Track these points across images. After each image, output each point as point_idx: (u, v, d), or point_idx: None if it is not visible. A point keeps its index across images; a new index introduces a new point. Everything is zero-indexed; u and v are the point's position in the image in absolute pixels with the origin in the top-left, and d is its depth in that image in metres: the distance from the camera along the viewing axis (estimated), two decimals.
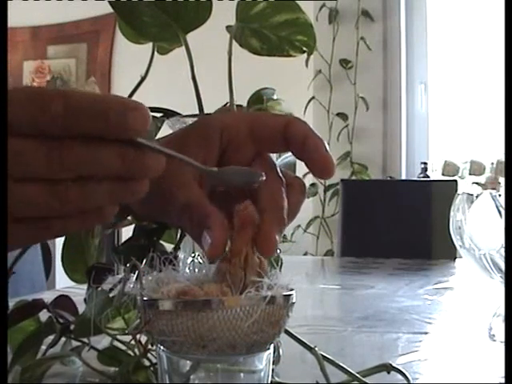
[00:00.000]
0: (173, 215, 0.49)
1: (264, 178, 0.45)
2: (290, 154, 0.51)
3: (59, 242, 0.64)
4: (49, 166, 0.38)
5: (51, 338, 0.65)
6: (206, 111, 0.65)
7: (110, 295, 0.60)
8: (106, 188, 0.39)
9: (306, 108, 2.91)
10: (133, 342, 0.56)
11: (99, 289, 0.61)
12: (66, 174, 0.38)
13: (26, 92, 0.38)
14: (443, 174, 2.91)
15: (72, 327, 0.63)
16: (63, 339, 0.67)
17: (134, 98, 0.70)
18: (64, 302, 0.65)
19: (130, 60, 2.34)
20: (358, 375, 0.59)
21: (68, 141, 0.38)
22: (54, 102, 0.37)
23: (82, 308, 0.64)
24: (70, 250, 0.69)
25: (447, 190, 2.00)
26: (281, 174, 0.49)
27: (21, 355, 0.62)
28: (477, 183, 2.81)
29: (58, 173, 0.38)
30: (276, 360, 0.61)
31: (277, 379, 0.62)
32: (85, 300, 0.63)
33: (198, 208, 0.46)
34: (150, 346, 0.53)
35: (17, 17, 3.37)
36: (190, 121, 0.59)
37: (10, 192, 0.38)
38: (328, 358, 0.60)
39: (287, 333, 0.60)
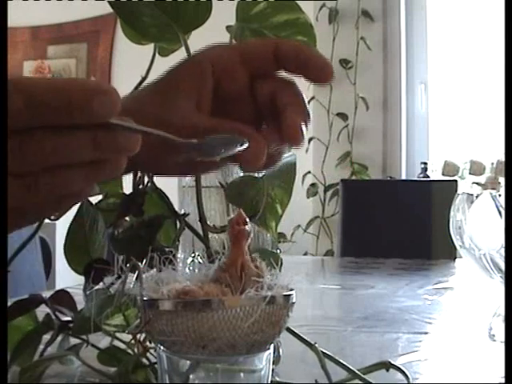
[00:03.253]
0: (186, 156, 0.48)
1: (246, 143, 0.44)
2: (290, 153, 0.50)
3: (59, 241, 0.64)
4: (16, 161, 0.37)
5: (49, 337, 0.65)
6: None
7: (109, 292, 0.60)
8: (80, 173, 0.38)
9: None
10: (133, 342, 0.56)
11: (98, 287, 0.61)
12: (36, 166, 0.37)
13: None
14: (443, 174, 2.91)
15: (71, 324, 0.63)
16: (61, 338, 0.67)
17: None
18: (62, 297, 0.65)
19: (130, 60, 2.34)
20: (358, 372, 0.59)
21: (34, 132, 0.36)
22: (13, 96, 0.35)
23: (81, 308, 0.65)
24: (73, 242, 0.70)
25: (447, 189, 2.00)
26: (295, 83, 0.50)
27: (19, 354, 0.62)
28: (477, 183, 2.81)
29: (27, 166, 0.37)
30: (276, 360, 0.61)
31: (277, 379, 0.62)
32: (84, 293, 0.63)
33: (219, 128, 0.46)
34: (148, 344, 0.53)
35: (17, 17, 3.37)
36: None
37: None
38: (328, 355, 0.60)
39: (288, 330, 0.60)
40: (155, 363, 0.57)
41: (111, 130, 0.38)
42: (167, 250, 0.59)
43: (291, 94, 0.49)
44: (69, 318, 0.64)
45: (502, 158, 2.64)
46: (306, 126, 0.47)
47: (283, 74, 0.51)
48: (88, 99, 0.36)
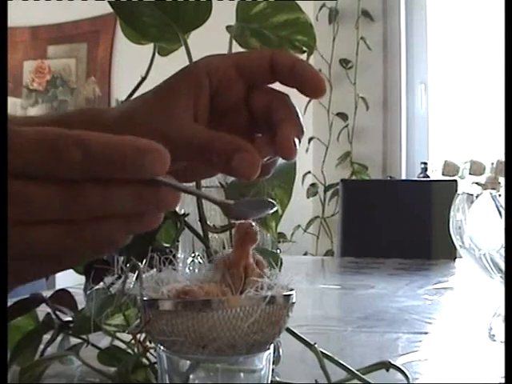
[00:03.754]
0: (183, 162, 0.49)
1: (275, 207, 0.46)
2: None
3: None
4: (64, 209, 0.38)
5: (49, 337, 0.65)
6: None
7: (110, 292, 0.60)
8: (122, 224, 0.40)
9: (306, 108, 2.91)
10: (133, 342, 0.56)
11: (98, 287, 0.61)
12: (82, 215, 0.39)
13: (35, 134, 0.37)
14: (443, 174, 2.91)
15: (71, 324, 0.63)
16: (61, 338, 0.67)
17: (134, 98, 0.70)
18: (63, 296, 0.65)
19: (130, 60, 2.34)
20: (357, 373, 0.59)
21: (86, 183, 0.38)
22: (70, 148, 0.37)
23: (81, 308, 0.65)
24: None
25: (447, 189, 2.00)
26: (288, 97, 0.50)
27: (18, 354, 0.62)
28: (477, 183, 2.81)
29: (73, 215, 0.38)
30: (276, 360, 0.61)
31: (277, 379, 0.62)
32: (85, 292, 0.63)
33: (215, 140, 0.47)
34: (148, 344, 0.53)
35: (17, 17, 3.37)
36: None
37: (23, 234, 0.38)
38: (328, 356, 0.60)
39: (288, 330, 0.60)
40: (155, 363, 0.57)
41: (155, 186, 0.40)
42: (167, 249, 0.59)
43: (285, 107, 0.50)
44: (69, 318, 0.64)
45: (502, 158, 2.64)
46: (300, 140, 0.48)
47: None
48: (141, 156, 0.38)
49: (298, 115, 0.49)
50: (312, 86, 0.50)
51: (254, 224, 0.44)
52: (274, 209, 0.45)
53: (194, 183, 0.62)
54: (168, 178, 0.40)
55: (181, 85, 0.50)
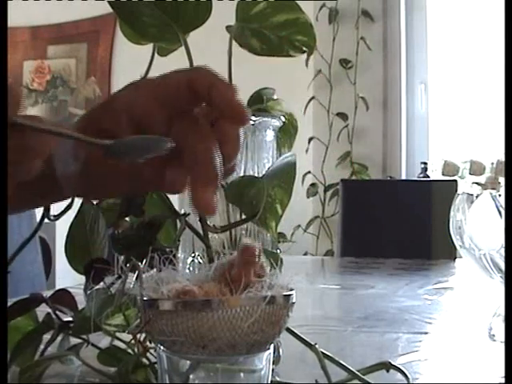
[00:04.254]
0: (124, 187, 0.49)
1: (169, 143, 0.43)
2: (290, 153, 0.50)
3: (59, 241, 0.64)
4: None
5: (49, 337, 0.65)
6: None
7: (110, 292, 0.60)
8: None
9: (305, 108, 2.91)
10: (133, 342, 0.56)
11: (98, 287, 0.61)
12: None
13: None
14: (443, 174, 2.91)
15: (71, 324, 0.63)
16: (61, 338, 0.67)
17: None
18: (63, 296, 0.65)
19: (130, 60, 2.34)
20: (358, 373, 0.59)
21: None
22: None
23: (81, 308, 0.64)
24: (74, 241, 0.70)
25: (447, 189, 2.00)
26: (207, 128, 0.46)
27: (19, 354, 0.62)
28: (477, 183, 2.81)
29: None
30: (276, 360, 0.61)
31: (277, 379, 0.62)
32: (85, 292, 0.63)
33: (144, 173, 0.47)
34: (148, 344, 0.53)
35: (17, 17, 3.37)
36: None
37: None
38: (328, 356, 0.60)
39: (288, 330, 0.60)
40: (155, 363, 0.57)
41: (21, 131, 0.38)
42: (167, 249, 0.59)
43: (200, 153, 0.45)
44: (69, 318, 0.64)
45: (502, 157, 2.64)
46: (216, 189, 0.44)
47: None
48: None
49: (209, 162, 0.45)
50: (230, 115, 0.46)
51: (258, 249, 0.44)
52: (167, 146, 0.43)
53: None
54: (35, 119, 0.39)
55: (101, 122, 0.49)
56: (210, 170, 0.45)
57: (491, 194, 0.81)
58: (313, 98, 2.96)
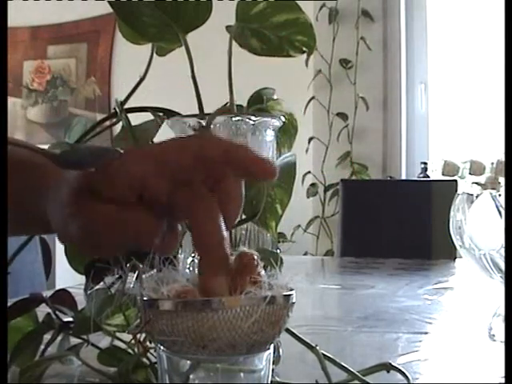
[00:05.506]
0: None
1: (118, 154, 0.43)
2: (290, 153, 0.50)
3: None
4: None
5: (49, 337, 0.65)
6: (206, 111, 0.65)
7: (110, 292, 0.60)
8: None
9: (305, 108, 2.91)
10: (133, 342, 0.56)
11: (98, 287, 0.61)
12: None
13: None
14: (443, 174, 2.91)
15: (71, 324, 0.63)
16: (61, 338, 0.67)
17: (134, 98, 0.70)
18: (63, 296, 0.65)
19: (129, 60, 2.34)
20: (358, 374, 0.59)
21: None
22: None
23: (81, 308, 0.64)
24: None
25: (447, 189, 2.00)
26: (212, 199, 0.45)
27: (18, 354, 0.62)
28: (477, 183, 2.81)
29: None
30: (276, 360, 0.61)
31: (277, 379, 0.62)
32: (85, 292, 0.63)
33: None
34: (148, 344, 0.53)
35: (17, 17, 3.37)
36: (191, 121, 0.59)
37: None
38: (329, 357, 0.60)
39: (288, 331, 0.60)
40: (155, 363, 0.57)
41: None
42: None
43: (204, 236, 0.44)
44: (69, 318, 0.64)
45: (502, 157, 2.64)
46: (226, 271, 0.43)
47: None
48: None
49: (214, 244, 0.43)
50: (257, 170, 0.44)
51: (256, 256, 0.44)
52: (116, 156, 0.43)
53: None
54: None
55: (102, 190, 0.47)
56: (221, 254, 0.43)
57: (491, 193, 0.81)
58: (313, 98, 2.96)
